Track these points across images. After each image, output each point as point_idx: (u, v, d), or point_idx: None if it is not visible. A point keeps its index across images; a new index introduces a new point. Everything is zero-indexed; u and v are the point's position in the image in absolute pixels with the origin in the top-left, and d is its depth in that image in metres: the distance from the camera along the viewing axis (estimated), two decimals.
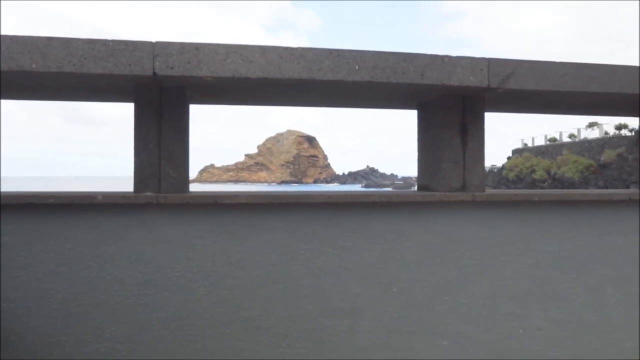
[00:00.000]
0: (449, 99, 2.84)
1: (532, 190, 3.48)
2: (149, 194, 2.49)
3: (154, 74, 2.30)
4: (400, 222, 2.74)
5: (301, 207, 2.61)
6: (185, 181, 2.62)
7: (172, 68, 2.30)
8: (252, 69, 2.33)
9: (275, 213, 2.60)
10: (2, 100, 2.91)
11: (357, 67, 2.42)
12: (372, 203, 2.67)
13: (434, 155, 2.96)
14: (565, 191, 3.19)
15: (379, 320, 2.69)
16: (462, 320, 2.78)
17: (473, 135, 2.88)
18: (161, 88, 2.55)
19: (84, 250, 2.44)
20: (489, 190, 3.00)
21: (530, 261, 2.86)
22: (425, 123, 3.11)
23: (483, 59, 2.62)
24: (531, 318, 2.84)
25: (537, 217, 2.89)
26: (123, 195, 2.44)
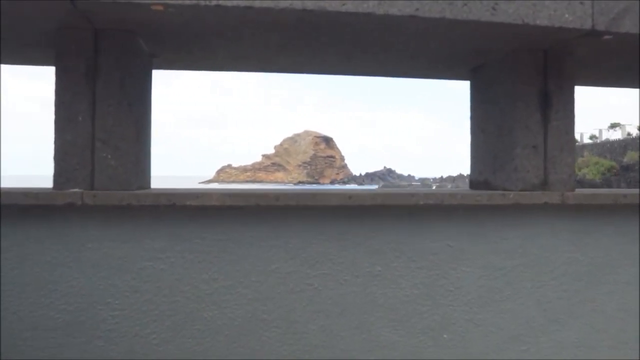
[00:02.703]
0: (523, 55, 1.94)
1: None
2: (73, 191, 1.63)
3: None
4: (455, 236, 1.84)
5: (306, 213, 1.73)
6: (135, 173, 1.75)
7: None
8: None
9: (265, 221, 1.72)
10: None
11: None
12: (412, 207, 1.77)
13: (499, 139, 2.05)
14: None
15: None
16: None
17: (558, 108, 1.97)
18: (96, 32, 1.69)
19: None
20: (580, 189, 2.08)
21: None
22: (484, 93, 2.20)
23: None
24: None
25: None
26: (31, 192, 1.59)
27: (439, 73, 2.39)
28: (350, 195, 1.68)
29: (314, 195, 1.66)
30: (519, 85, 1.94)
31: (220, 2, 1.45)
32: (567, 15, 1.68)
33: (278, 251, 1.73)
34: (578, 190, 2.00)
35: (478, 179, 2.25)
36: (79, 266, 1.65)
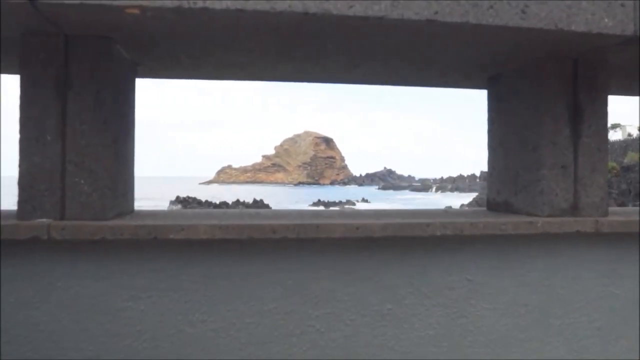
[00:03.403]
0: (550, 63, 1.73)
1: None
2: (39, 222, 1.42)
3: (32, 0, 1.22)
4: (475, 268, 1.63)
5: (307, 246, 1.52)
6: (112, 199, 1.54)
7: None
8: None
9: (261, 254, 1.51)
10: None
11: None
12: (428, 239, 1.56)
13: (522, 156, 1.84)
14: None
15: None
16: None
17: (590, 123, 1.76)
18: (67, 38, 1.48)
19: None
20: (614, 213, 1.86)
21: None
22: (504, 105, 1.99)
23: None
24: None
25: None
26: None
27: (453, 82, 2.17)
28: (357, 226, 1.46)
29: (316, 226, 1.45)
30: (545, 97, 1.73)
31: (207, 4, 1.24)
32: (606, 20, 1.46)
33: (275, 288, 1.51)
34: (611, 214, 1.79)
35: (497, 199, 2.03)
36: (47, 307, 1.43)
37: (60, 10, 1.26)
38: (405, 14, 1.32)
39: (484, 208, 2.18)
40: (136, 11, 1.26)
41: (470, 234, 1.56)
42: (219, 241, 1.45)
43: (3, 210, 1.65)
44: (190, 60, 1.75)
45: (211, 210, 1.82)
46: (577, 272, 1.70)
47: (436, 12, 1.34)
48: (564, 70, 1.74)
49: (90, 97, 1.49)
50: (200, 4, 1.23)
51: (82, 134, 1.49)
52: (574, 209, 1.74)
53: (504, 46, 1.60)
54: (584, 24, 1.45)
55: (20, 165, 1.46)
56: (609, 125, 1.78)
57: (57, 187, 1.46)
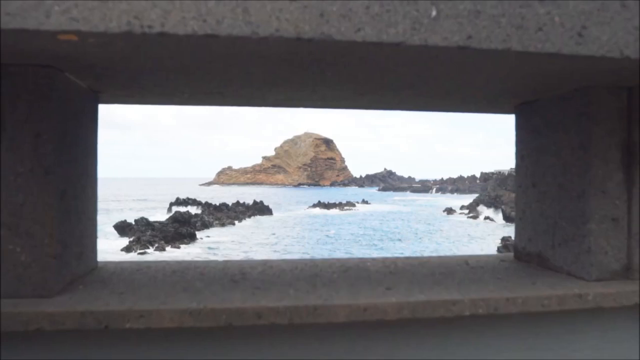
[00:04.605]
0: (600, 93, 1.41)
1: None
2: None
3: None
4: (508, 349, 1.31)
5: (303, 331, 1.20)
6: (59, 268, 1.22)
7: None
8: (175, 13, 0.92)
9: (244, 343, 1.19)
10: None
11: (433, 13, 1.00)
12: (454, 319, 1.24)
13: (562, 202, 1.52)
14: None
15: None
16: None
17: None
18: None
19: None
20: None
21: None
22: (537, 137, 1.67)
23: None
24: None
25: None
26: None
27: (475, 108, 1.86)
28: (365, 306, 1.15)
29: (314, 309, 1.13)
30: (594, 133, 1.41)
31: (167, 29, 0.92)
32: None
33: None
34: None
35: (528, 249, 1.72)
36: None
37: None
38: (429, 39, 1.00)
39: (511, 253, 1.87)
40: (73, 37, 0.94)
41: (507, 313, 1.24)
42: (189, 330, 1.13)
43: None
44: (160, 89, 1.44)
45: (190, 262, 1.49)
46: (633, 350, 1.38)
47: (470, 37, 1.02)
48: (618, 102, 1.42)
49: (28, 141, 1.18)
50: (157, 29, 0.92)
51: (18, 189, 1.17)
52: (627, 270, 1.43)
53: (546, 74, 1.29)
54: None
55: None
56: None
57: None
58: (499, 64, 1.15)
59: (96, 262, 1.58)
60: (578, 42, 1.08)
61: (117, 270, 1.52)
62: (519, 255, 1.77)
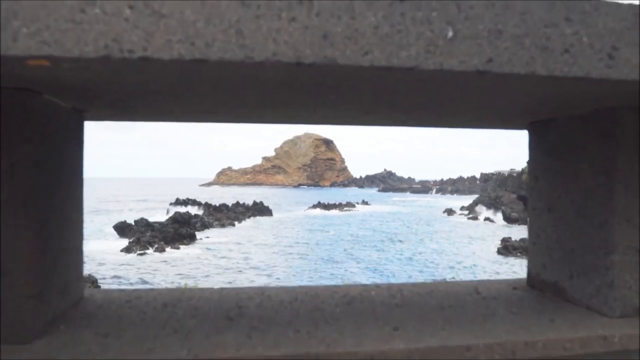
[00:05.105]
0: (625, 114, 1.31)
1: None
2: None
3: None
4: None
5: None
6: (37, 309, 1.12)
7: None
8: (159, 35, 0.82)
9: None
10: None
11: (449, 33, 0.90)
12: None
13: (582, 230, 1.42)
14: None
15: None
16: None
17: None
18: None
19: None
20: None
21: None
22: (555, 159, 1.56)
23: None
24: None
25: None
26: None
27: (487, 125, 1.75)
28: (372, 354, 1.04)
29: (316, 356, 1.02)
30: (620, 158, 1.30)
31: (150, 54, 0.81)
32: None
33: None
34: None
35: (542, 277, 1.61)
36: None
37: None
38: (445, 62, 0.90)
39: (523, 279, 1.76)
40: (45, 63, 0.84)
41: (525, 358, 1.13)
42: None
43: None
44: (148, 110, 1.33)
45: (183, 292, 1.38)
46: None
47: (490, 60, 0.92)
48: None
49: (3, 170, 1.07)
50: (138, 54, 0.81)
51: None
52: None
53: (569, 95, 1.18)
54: None
55: None
56: None
57: None
58: (520, 88, 1.04)
59: (82, 291, 1.48)
60: (608, 65, 0.98)
61: (105, 303, 1.41)
62: (532, 282, 1.67)
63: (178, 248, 35.85)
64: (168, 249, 35.22)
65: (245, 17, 0.83)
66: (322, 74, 0.91)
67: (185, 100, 1.19)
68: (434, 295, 1.53)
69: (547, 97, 1.20)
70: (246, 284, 24.85)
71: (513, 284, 1.73)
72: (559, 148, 1.54)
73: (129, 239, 36.79)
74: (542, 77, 0.95)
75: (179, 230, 38.92)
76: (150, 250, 34.23)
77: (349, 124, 1.72)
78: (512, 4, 0.93)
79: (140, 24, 0.81)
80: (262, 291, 1.55)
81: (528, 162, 1.72)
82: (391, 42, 0.88)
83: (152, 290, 1.58)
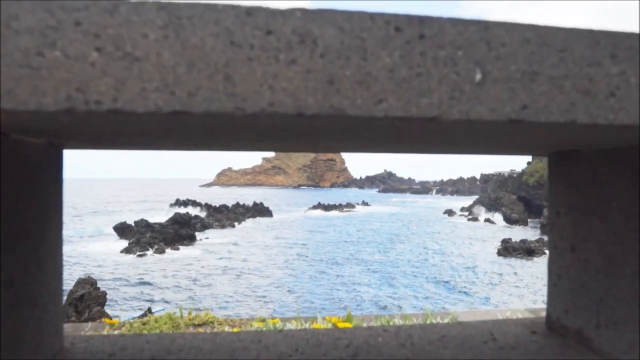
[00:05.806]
0: None
1: None
2: None
3: None
4: None
5: None
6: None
7: None
8: (131, 83, 0.68)
9: None
10: None
11: (477, 76, 0.76)
12: None
13: (611, 277, 1.28)
14: None
15: None
16: None
17: None
18: None
19: None
20: None
21: None
22: (579, 194, 1.43)
23: None
24: None
25: None
26: None
27: (504, 153, 1.62)
28: None
29: None
30: None
31: (120, 106, 0.68)
32: None
33: None
34: None
35: (564, 322, 1.47)
36: None
37: None
38: (472, 111, 0.76)
39: (541, 320, 1.63)
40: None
41: None
42: None
43: None
44: (131, 145, 1.20)
45: (174, 339, 1.24)
46: None
47: (524, 107, 0.78)
48: None
49: None
50: (107, 105, 0.67)
51: None
52: None
53: (596, 136, 1.05)
54: None
55: None
56: None
57: None
58: (556, 133, 0.91)
59: (62, 342, 1.34)
60: None
61: (86, 357, 1.27)
62: (553, 326, 1.53)
63: (178, 249, 35.76)
64: (168, 250, 35.13)
65: (235, 60, 0.70)
66: (327, 125, 0.77)
67: (170, 142, 1.05)
68: (447, 344, 1.39)
69: (569, 137, 1.06)
70: (246, 286, 24.75)
71: (531, 326, 1.60)
72: (584, 183, 1.40)
73: (129, 240, 36.71)
74: (583, 125, 0.81)
75: (179, 231, 38.82)
76: (150, 252, 34.13)
77: (355, 152, 1.58)
78: (550, 41, 0.79)
79: (109, 70, 0.67)
80: (259, 338, 1.41)
81: (549, 196, 1.58)
82: (409, 88, 0.74)
83: (139, 336, 1.44)
